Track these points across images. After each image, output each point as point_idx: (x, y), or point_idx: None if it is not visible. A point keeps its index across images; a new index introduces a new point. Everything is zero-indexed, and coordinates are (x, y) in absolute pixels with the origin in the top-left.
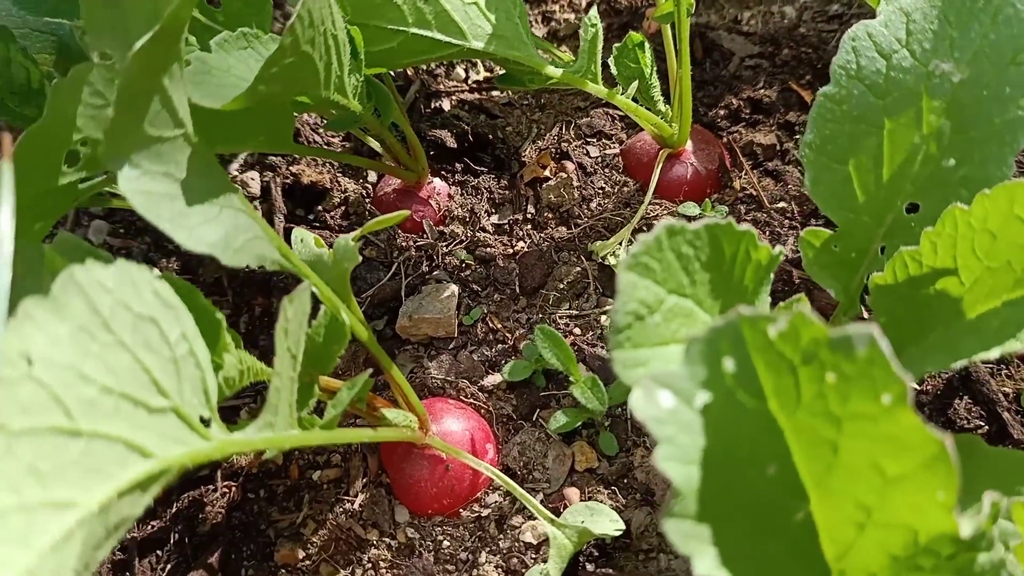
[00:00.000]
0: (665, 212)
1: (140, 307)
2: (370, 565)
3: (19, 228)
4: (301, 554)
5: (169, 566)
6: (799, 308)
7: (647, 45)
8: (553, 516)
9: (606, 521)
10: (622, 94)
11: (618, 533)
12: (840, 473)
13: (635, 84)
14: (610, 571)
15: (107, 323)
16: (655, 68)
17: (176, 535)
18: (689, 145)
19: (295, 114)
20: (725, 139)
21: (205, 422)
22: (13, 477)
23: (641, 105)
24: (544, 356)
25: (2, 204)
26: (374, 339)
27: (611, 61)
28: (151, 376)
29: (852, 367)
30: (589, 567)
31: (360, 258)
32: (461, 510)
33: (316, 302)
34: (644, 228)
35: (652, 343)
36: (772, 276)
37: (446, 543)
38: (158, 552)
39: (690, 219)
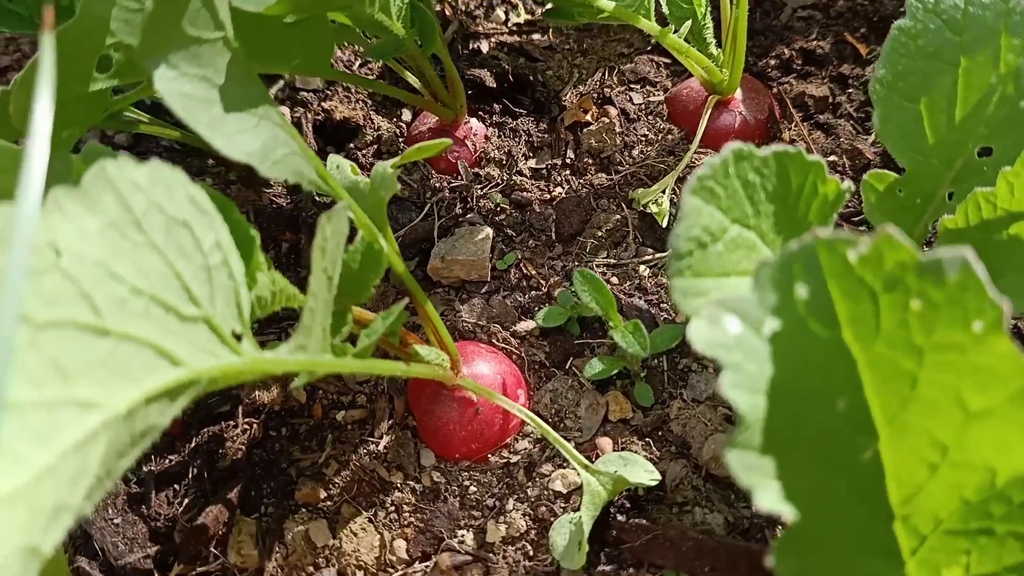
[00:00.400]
0: None
1: (174, 210)
2: (393, 508)
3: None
4: (322, 494)
5: (187, 500)
6: (885, 229)
7: None
8: (587, 462)
9: (641, 471)
10: (674, 34)
11: (654, 483)
12: (916, 409)
13: (687, 24)
14: (644, 522)
15: (139, 222)
16: (709, 9)
17: (195, 470)
18: (739, 93)
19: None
20: (775, 90)
21: (237, 337)
22: (35, 371)
23: (692, 47)
24: (583, 300)
25: (43, 75)
26: (408, 273)
27: (663, 0)
28: (183, 282)
29: (941, 293)
30: (621, 518)
31: (398, 186)
32: (489, 456)
33: (352, 231)
34: (688, 177)
35: (713, 273)
36: (836, 215)
37: (472, 488)
38: (175, 486)
39: None
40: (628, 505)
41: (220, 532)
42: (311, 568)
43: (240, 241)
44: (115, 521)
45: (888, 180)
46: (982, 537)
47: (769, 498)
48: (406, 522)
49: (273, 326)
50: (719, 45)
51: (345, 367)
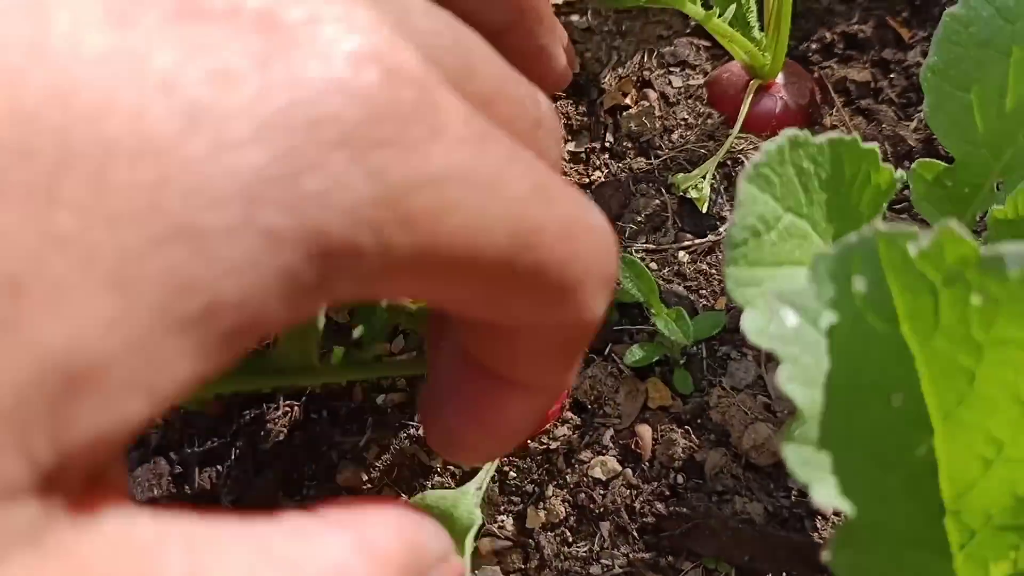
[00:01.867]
0: (751, 147)
1: None
2: None
3: None
4: (364, 477)
5: (230, 481)
6: (946, 224)
7: None
8: None
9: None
10: (719, 17)
11: None
12: (973, 404)
13: (732, 8)
14: (683, 510)
15: None
16: None
17: (237, 451)
18: (780, 78)
19: None
20: (816, 74)
21: None
22: None
23: (736, 31)
24: (624, 286)
25: None
26: None
27: None
28: None
29: (1002, 289)
30: (659, 506)
31: None
32: (528, 442)
33: None
34: (728, 162)
35: (767, 263)
36: (887, 205)
37: (512, 474)
38: (218, 467)
39: None
40: (667, 493)
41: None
42: None
43: None
44: (159, 503)
45: (936, 169)
46: None
47: (826, 493)
48: None
49: None
50: (762, 29)
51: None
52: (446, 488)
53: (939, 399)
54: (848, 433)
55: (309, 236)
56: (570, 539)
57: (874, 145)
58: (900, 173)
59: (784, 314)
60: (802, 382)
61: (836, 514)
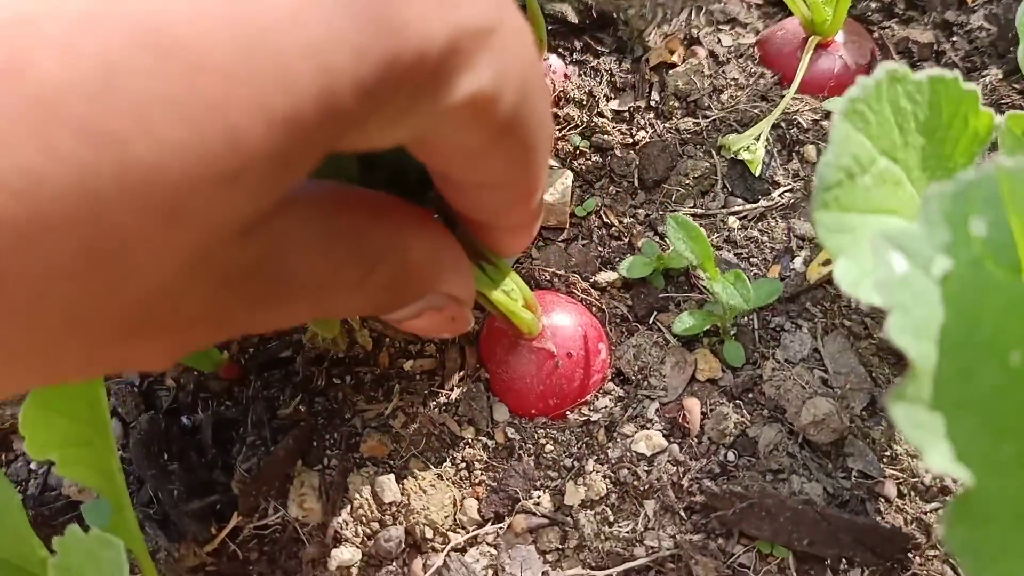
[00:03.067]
0: (807, 108)
1: None
2: (464, 464)
3: None
4: (389, 447)
5: (244, 448)
6: None
7: None
8: None
9: None
10: None
11: None
12: None
13: None
14: (739, 489)
15: None
16: None
17: (254, 416)
18: (839, 36)
19: None
20: (876, 34)
21: None
22: None
23: None
24: (676, 248)
25: None
26: None
27: None
28: None
29: None
30: (709, 484)
31: None
32: (567, 413)
33: None
34: (783, 124)
35: (859, 208)
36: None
37: (549, 447)
38: (233, 433)
39: None
40: (717, 471)
41: (281, 484)
42: (376, 525)
43: None
44: (169, 468)
45: None
46: None
47: (940, 459)
48: (477, 480)
49: None
50: None
51: None
52: (478, 460)
53: None
54: (963, 393)
55: (387, 55)
56: (611, 518)
57: (975, 87)
58: (1000, 119)
59: (892, 259)
60: (914, 334)
61: (900, 497)
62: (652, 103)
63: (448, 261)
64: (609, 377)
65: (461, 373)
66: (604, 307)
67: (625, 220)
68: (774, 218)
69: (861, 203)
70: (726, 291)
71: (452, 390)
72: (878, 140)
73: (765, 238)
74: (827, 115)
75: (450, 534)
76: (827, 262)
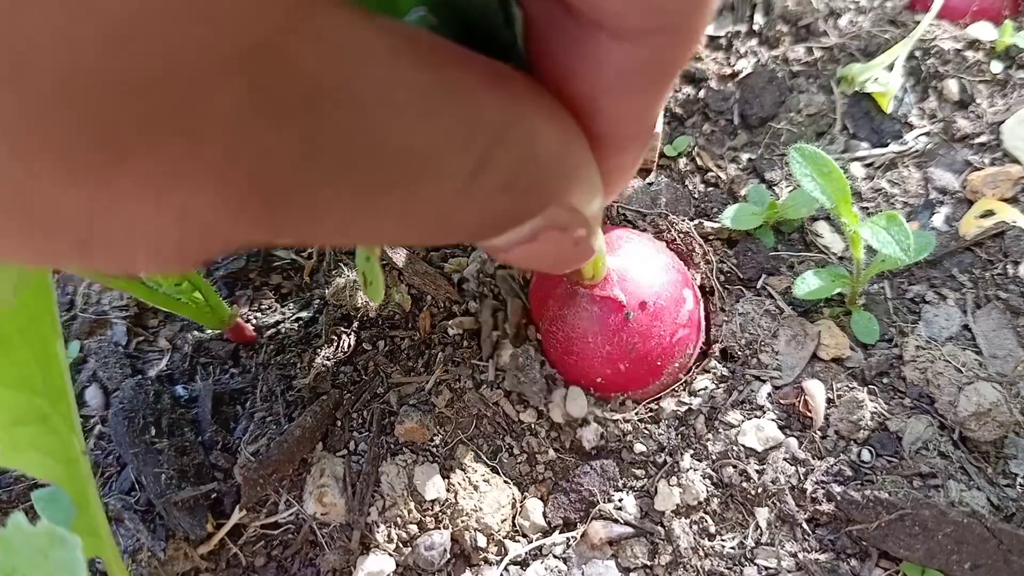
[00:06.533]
0: (946, 35)
1: None
2: (524, 457)
3: None
4: (432, 431)
5: (251, 426)
6: None
7: None
8: None
9: None
10: None
11: None
12: None
13: None
14: (885, 497)
15: None
16: None
17: (265, 388)
18: None
19: None
20: None
21: None
22: None
23: None
24: (804, 186)
25: None
26: None
27: None
28: None
29: None
30: (840, 490)
31: None
32: (659, 399)
33: None
34: (917, 55)
35: None
36: None
37: (631, 437)
38: (238, 407)
39: (983, 45)
40: (848, 473)
41: (295, 472)
42: (415, 528)
43: None
44: (157, 447)
45: None
46: None
47: None
48: (541, 477)
49: None
50: None
51: None
52: (542, 451)
53: None
54: None
55: None
56: (712, 529)
57: None
58: None
59: None
60: None
61: None
62: (755, 27)
63: (580, 158)
64: (702, 339)
65: (509, 336)
66: (700, 261)
67: (722, 163)
68: (907, 166)
69: None
70: (878, 237)
71: (491, 359)
72: None
73: (896, 190)
74: (972, 44)
75: (508, 543)
76: (988, 213)
